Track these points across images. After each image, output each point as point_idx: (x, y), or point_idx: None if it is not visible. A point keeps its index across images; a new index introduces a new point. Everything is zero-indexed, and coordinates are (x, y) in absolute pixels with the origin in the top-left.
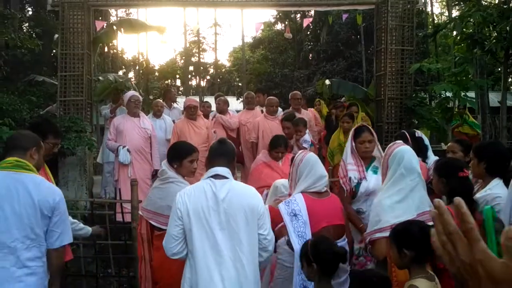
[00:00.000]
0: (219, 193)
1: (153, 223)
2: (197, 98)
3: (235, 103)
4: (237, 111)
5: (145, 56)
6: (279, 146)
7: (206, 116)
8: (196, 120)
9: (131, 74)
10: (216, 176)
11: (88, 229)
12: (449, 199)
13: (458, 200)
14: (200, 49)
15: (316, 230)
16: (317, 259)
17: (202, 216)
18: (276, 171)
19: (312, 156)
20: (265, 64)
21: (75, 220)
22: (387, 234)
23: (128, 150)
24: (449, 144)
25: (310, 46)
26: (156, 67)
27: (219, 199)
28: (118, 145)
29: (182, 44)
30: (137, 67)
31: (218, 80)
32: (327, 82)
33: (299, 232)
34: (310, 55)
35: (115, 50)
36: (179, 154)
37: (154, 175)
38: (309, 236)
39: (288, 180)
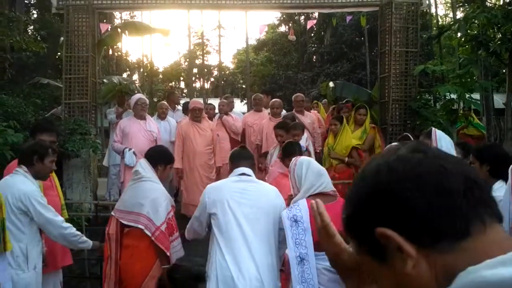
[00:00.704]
0: (248, 188)
1: (124, 222)
2: (201, 100)
3: (239, 105)
4: (243, 113)
5: (150, 59)
6: (294, 153)
7: (210, 118)
8: (201, 122)
9: (135, 77)
10: (243, 175)
11: (90, 243)
12: None
13: (314, 202)
14: (204, 51)
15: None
16: (176, 285)
17: (228, 207)
18: None
19: (305, 158)
20: (269, 66)
21: (78, 233)
22: None
23: (134, 153)
24: None
25: (314, 48)
26: (161, 69)
27: (247, 193)
28: (124, 147)
29: (186, 47)
30: (141, 70)
31: (222, 82)
32: (331, 84)
33: (297, 240)
34: (314, 57)
35: (119, 53)
36: (169, 159)
37: None
38: (309, 243)
39: (291, 189)
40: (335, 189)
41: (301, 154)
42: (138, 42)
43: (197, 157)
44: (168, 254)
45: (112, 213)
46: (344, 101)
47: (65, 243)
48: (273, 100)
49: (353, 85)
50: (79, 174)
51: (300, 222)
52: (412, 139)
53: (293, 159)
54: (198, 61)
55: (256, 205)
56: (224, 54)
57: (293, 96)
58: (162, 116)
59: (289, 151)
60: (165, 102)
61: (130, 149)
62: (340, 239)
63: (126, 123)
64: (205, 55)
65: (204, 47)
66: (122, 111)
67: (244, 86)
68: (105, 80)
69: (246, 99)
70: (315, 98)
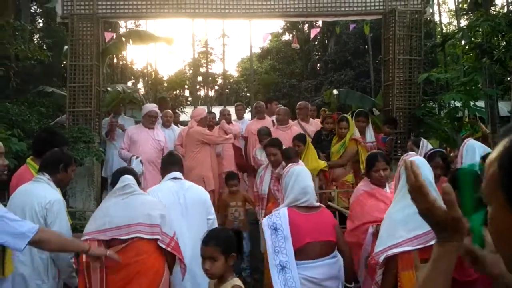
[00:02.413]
0: (181, 190)
1: (124, 237)
2: (205, 108)
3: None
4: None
5: (154, 67)
6: (381, 161)
7: (212, 127)
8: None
9: (140, 85)
10: (175, 179)
11: (76, 282)
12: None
13: (407, 162)
14: (209, 59)
15: (299, 245)
16: None
17: (171, 208)
18: (383, 201)
19: (298, 168)
20: (273, 75)
21: (73, 271)
22: (404, 249)
23: (141, 161)
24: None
25: (317, 56)
26: (165, 78)
27: (181, 194)
28: (131, 155)
29: (191, 55)
30: (146, 78)
31: (227, 90)
32: (335, 92)
33: (277, 247)
34: (318, 65)
35: (124, 61)
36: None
37: None
38: (290, 251)
39: (280, 195)
40: (316, 204)
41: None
42: (143, 51)
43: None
44: (183, 264)
45: (88, 236)
46: (326, 114)
47: (60, 265)
48: (279, 108)
49: (357, 93)
50: (83, 182)
51: (280, 230)
52: (425, 143)
53: (289, 165)
54: (202, 70)
55: (190, 202)
56: (228, 63)
57: (297, 104)
58: (166, 125)
59: (373, 160)
60: (170, 111)
61: (137, 157)
62: (434, 196)
63: (134, 131)
64: (210, 63)
65: (209, 55)
66: (112, 132)
67: (248, 94)
68: (109, 89)
69: (250, 107)
70: (319, 106)
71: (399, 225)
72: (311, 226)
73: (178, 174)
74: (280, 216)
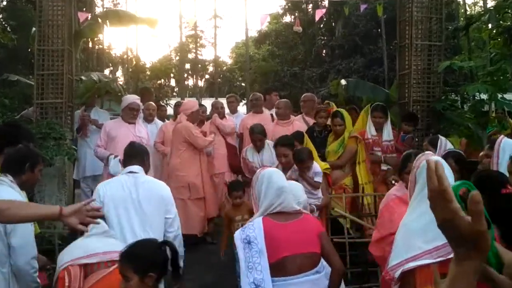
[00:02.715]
0: (133, 185)
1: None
2: (194, 100)
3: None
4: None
5: (135, 53)
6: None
7: (203, 122)
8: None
9: (119, 73)
10: (131, 173)
11: None
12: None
13: (431, 162)
14: (198, 44)
15: (275, 260)
16: None
17: (120, 202)
18: None
19: (268, 171)
20: (271, 62)
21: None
22: (423, 262)
23: (120, 161)
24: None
25: (323, 41)
26: (148, 65)
27: (133, 189)
28: (109, 153)
29: (177, 39)
30: (125, 65)
31: (219, 79)
32: (343, 82)
33: (251, 263)
34: (324, 51)
35: (100, 46)
36: None
37: None
38: (265, 267)
39: (252, 204)
40: (297, 207)
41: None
42: (122, 34)
43: None
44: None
45: (69, 264)
46: (325, 104)
47: (22, 281)
48: (279, 100)
49: (368, 84)
50: (53, 185)
51: (254, 243)
52: (443, 142)
53: (258, 171)
54: (190, 56)
55: (144, 198)
56: (221, 48)
57: (302, 96)
58: (149, 119)
59: (406, 161)
60: (152, 103)
61: (116, 156)
62: (457, 205)
63: (112, 126)
64: (199, 48)
65: (198, 39)
66: (85, 128)
67: (243, 84)
68: (83, 77)
69: (245, 99)
70: (324, 98)
71: (416, 235)
72: (290, 237)
73: (135, 167)
74: (254, 227)
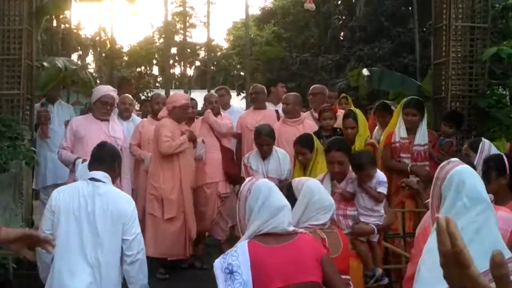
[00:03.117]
0: (91, 195)
1: None
2: (182, 92)
3: (234, 100)
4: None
5: (110, 34)
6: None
7: (193, 119)
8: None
9: (89, 58)
10: (92, 180)
11: None
12: None
13: (441, 219)
14: (187, 24)
15: None
16: None
17: (71, 213)
18: None
19: (266, 183)
20: (277, 46)
21: None
22: None
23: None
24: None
25: (341, 21)
26: (125, 49)
27: (89, 200)
28: (76, 157)
29: (162, 17)
30: (98, 49)
31: (212, 67)
32: (365, 72)
33: None
34: (342, 33)
35: (67, 25)
36: None
37: None
38: None
39: (238, 222)
40: (290, 228)
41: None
42: (94, 11)
43: None
44: None
45: None
46: (340, 98)
47: None
48: (287, 94)
49: (397, 74)
50: (7, 195)
51: (237, 273)
52: (486, 145)
53: (247, 180)
54: (178, 38)
55: (99, 212)
56: (215, 29)
57: (310, 88)
58: (125, 115)
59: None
60: (129, 96)
61: (84, 160)
62: (477, 272)
63: (80, 123)
64: (188, 29)
65: (187, 18)
66: (44, 126)
67: (242, 73)
68: (45, 64)
69: (245, 91)
70: (342, 92)
71: None
72: (282, 264)
73: (100, 174)
74: (238, 254)
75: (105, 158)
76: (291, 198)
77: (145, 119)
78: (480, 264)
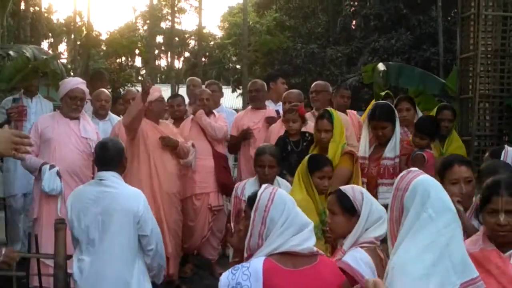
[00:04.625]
0: (100, 196)
1: None
2: (167, 89)
3: (229, 97)
4: (236, 111)
5: (86, 19)
6: (505, 195)
7: (181, 119)
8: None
9: (62, 47)
10: (101, 181)
11: None
12: None
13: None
14: (175, 8)
15: None
16: None
17: (82, 216)
18: (498, 279)
19: (284, 193)
20: (279, 36)
21: None
22: None
23: (57, 173)
24: None
25: (353, 9)
26: (103, 37)
27: (99, 201)
28: (42, 162)
29: (146, 1)
30: (72, 36)
31: (204, 59)
32: (381, 66)
33: None
34: (353, 22)
35: (37, 8)
36: None
37: None
38: None
39: (248, 236)
40: (314, 248)
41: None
42: None
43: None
44: None
45: None
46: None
47: None
48: (289, 91)
49: (417, 70)
50: None
51: None
52: (510, 153)
53: (264, 187)
54: (165, 25)
55: (108, 211)
56: (208, 15)
57: (312, 85)
58: (101, 113)
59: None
60: (105, 91)
61: (52, 166)
62: None
63: (47, 123)
64: (177, 15)
65: (176, 1)
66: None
67: (239, 66)
68: (11, 52)
69: (241, 88)
70: (354, 88)
71: (419, 283)
72: None
73: (105, 174)
74: (250, 272)
75: (111, 158)
76: (351, 210)
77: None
78: (450, 279)
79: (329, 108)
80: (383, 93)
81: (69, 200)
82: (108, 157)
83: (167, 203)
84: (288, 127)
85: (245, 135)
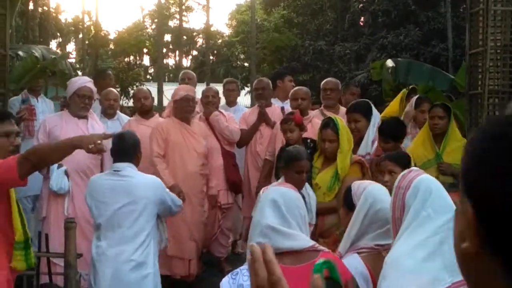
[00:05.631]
0: (116, 184)
1: None
2: (171, 87)
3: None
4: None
5: (94, 18)
6: None
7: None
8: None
9: (71, 47)
10: (117, 171)
11: None
12: None
13: (254, 247)
14: (183, 7)
15: None
16: None
17: (100, 203)
18: None
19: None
20: (288, 33)
21: None
22: None
23: (65, 172)
24: None
25: (361, 5)
26: (112, 36)
27: (116, 189)
28: None
29: (154, 0)
30: (80, 36)
31: (212, 57)
32: (389, 63)
33: None
34: (362, 18)
35: (45, 8)
36: None
37: None
38: None
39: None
40: (311, 243)
41: None
42: None
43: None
44: None
45: None
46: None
47: None
48: (296, 88)
49: (426, 66)
50: None
51: None
52: None
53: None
54: (172, 23)
55: (126, 199)
56: (216, 12)
57: (323, 83)
58: (109, 113)
59: None
60: (114, 90)
61: (60, 166)
62: None
63: (55, 122)
64: (185, 13)
65: (184, 1)
66: (25, 115)
67: (247, 64)
68: (20, 53)
69: (249, 85)
70: (363, 85)
71: (409, 277)
72: None
73: (121, 165)
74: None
75: (128, 149)
76: (350, 205)
77: (132, 118)
78: (441, 277)
79: (333, 116)
80: (407, 89)
81: (87, 188)
82: (124, 148)
83: (186, 203)
84: (286, 137)
85: (262, 116)
